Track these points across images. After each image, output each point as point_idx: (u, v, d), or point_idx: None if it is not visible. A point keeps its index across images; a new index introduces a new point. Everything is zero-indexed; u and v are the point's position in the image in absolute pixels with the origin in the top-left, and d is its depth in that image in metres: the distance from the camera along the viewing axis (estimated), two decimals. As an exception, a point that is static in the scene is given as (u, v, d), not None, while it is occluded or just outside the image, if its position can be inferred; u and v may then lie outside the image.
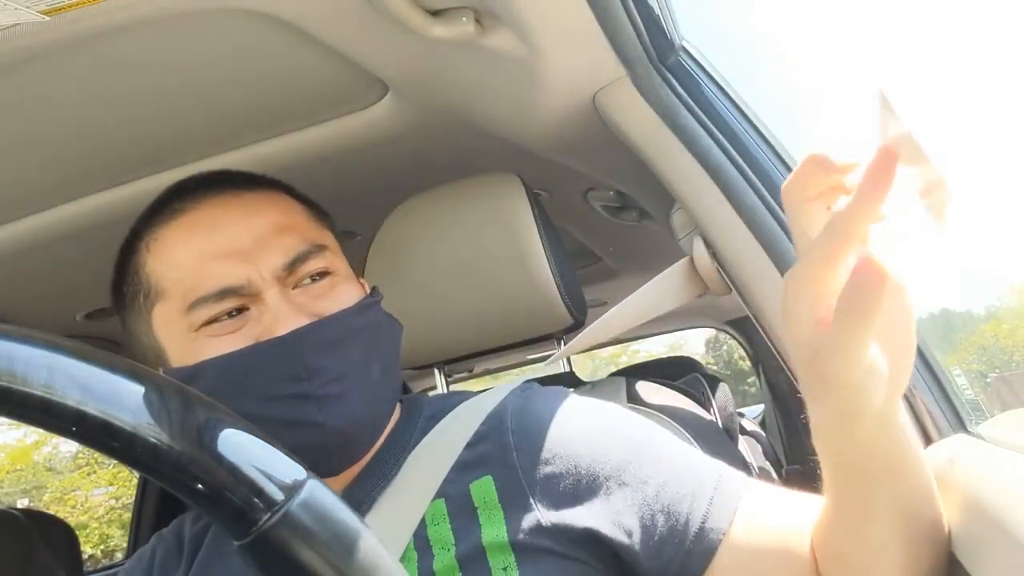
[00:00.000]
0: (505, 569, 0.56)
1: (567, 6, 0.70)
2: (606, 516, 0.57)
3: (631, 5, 0.75)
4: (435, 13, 0.70)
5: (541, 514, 0.58)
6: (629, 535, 0.57)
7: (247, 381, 0.58)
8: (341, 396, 0.59)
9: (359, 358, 0.61)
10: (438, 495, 0.60)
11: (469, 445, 0.63)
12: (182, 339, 0.61)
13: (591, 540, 0.57)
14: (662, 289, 0.84)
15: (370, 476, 0.64)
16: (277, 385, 0.57)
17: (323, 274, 0.63)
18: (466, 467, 0.61)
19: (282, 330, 0.58)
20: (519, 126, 0.93)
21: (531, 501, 0.58)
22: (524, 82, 0.81)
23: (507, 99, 0.87)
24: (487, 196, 0.88)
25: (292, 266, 0.61)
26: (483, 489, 0.60)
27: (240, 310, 0.60)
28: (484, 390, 0.71)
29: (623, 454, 0.59)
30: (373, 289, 0.68)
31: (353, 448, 0.62)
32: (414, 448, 0.65)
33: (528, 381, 0.71)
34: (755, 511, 0.57)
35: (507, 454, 0.61)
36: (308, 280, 0.62)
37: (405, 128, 0.93)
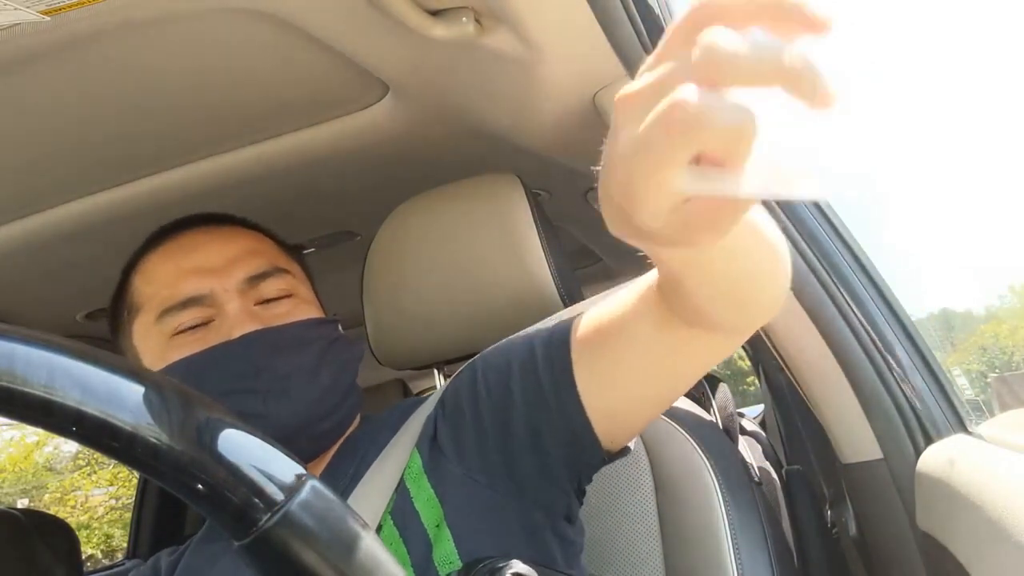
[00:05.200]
0: (438, 526, 0.60)
1: (567, 6, 0.70)
2: (489, 410, 0.62)
3: (631, 5, 0.75)
4: (435, 13, 0.70)
5: (451, 460, 0.63)
6: (504, 401, 0.61)
7: (205, 380, 0.63)
8: (285, 392, 0.65)
9: (307, 364, 0.67)
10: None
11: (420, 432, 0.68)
12: (155, 347, 0.68)
13: (493, 451, 0.62)
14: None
15: (331, 476, 0.68)
16: (229, 381, 0.64)
17: (285, 296, 0.71)
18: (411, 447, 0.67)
19: (237, 334, 0.65)
20: (519, 126, 0.93)
21: (442, 455, 0.64)
22: (524, 82, 0.81)
23: (507, 99, 0.87)
24: (487, 196, 0.88)
25: (253, 281, 0.69)
26: (412, 463, 0.65)
27: (207, 322, 0.67)
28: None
29: (481, 363, 0.66)
30: (334, 316, 0.76)
31: (297, 443, 0.66)
32: (371, 454, 0.68)
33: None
34: (591, 311, 0.61)
35: (426, 428, 0.66)
36: (270, 299, 0.70)
37: (405, 128, 0.93)
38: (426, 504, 0.61)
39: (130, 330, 0.72)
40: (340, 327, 0.74)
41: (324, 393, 0.67)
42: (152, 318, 0.69)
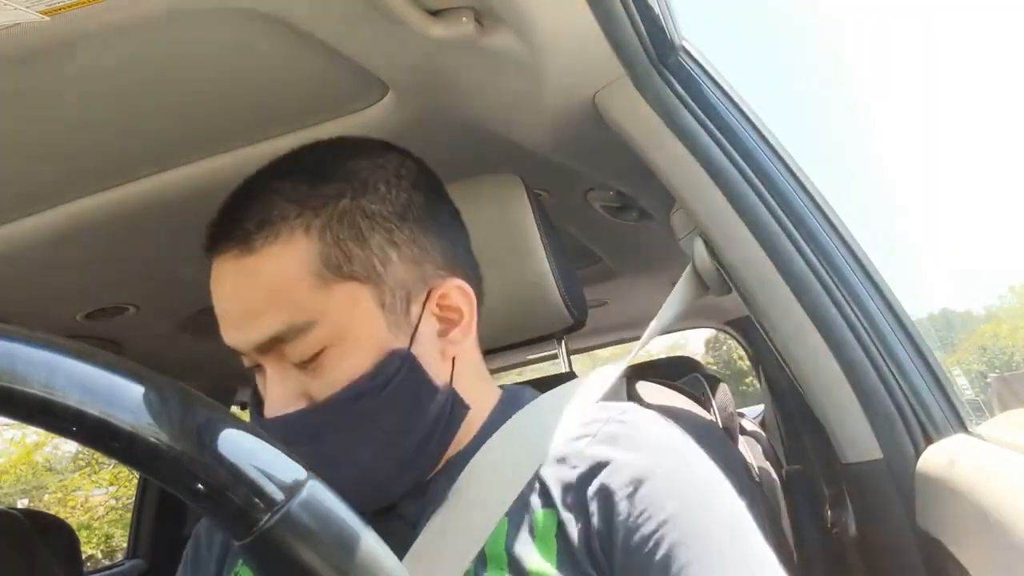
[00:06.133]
0: None
1: (567, 6, 0.70)
2: None
3: (631, 5, 0.75)
4: (435, 13, 0.70)
5: (592, 562, 0.54)
6: None
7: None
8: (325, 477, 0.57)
9: (342, 443, 0.57)
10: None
11: (547, 465, 0.58)
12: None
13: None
14: (675, 302, 0.84)
15: (434, 487, 0.60)
16: None
17: (318, 352, 0.56)
18: (536, 492, 0.57)
19: (268, 411, 0.57)
20: (519, 126, 0.93)
21: (583, 546, 0.54)
22: (524, 82, 0.81)
23: (507, 99, 0.87)
24: (487, 196, 0.88)
25: (270, 346, 0.56)
26: (544, 521, 0.56)
27: (260, 365, 0.59)
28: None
29: (700, 548, 0.51)
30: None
31: (371, 504, 0.59)
32: (475, 458, 0.60)
33: (628, 410, 0.62)
34: None
35: (581, 500, 0.55)
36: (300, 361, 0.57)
37: (405, 128, 0.93)
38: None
39: None
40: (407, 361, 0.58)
41: (371, 465, 0.57)
42: None
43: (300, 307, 0.55)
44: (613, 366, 0.72)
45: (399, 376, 0.57)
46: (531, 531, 0.55)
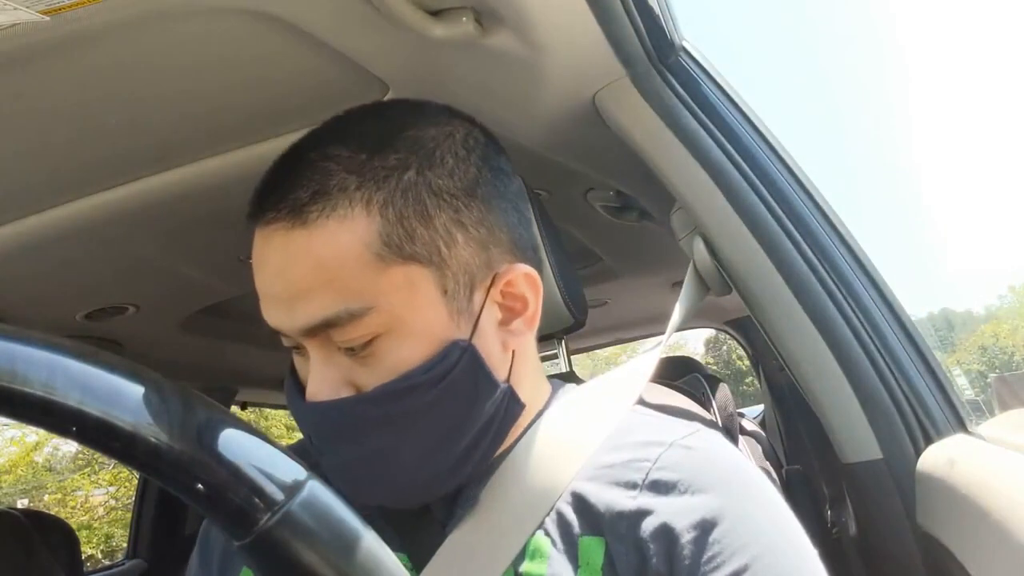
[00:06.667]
0: None
1: (567, 6, 0.70)
2: None
3: (631, 5, 0.75)
4: (435, 13, 0.70)
5: None
6: None
7: (298, 421, 0.57)
8: (348, 480, 0.53)
9: (388, 439, 0.52)
10: (543, 529, 0.53)
11: (587, 481, 0.54)
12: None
13: None
14: (685, 300, 0.84)
15: (469, 487, 0.57)
16: (310, 440, 0.55)
17: (372, 337, 0.51)
18: (582, 512, 0.53)
19: (309, 397, 0.53)
20: (519, 126, 0.93)
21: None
22: (524, 82, 0.81)
23: (507, 99, 0.87)
24: (487, 196, 0.88)
25: (318, 330, 0.51)
26: (591, 550, 0.51)
27: (300, 345, 0.55)
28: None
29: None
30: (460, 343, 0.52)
31: (418, 501, 0.57)
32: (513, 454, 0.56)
33: (695, 433, 0.57)
34: None
35: (636, 534, 0.51)
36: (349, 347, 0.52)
37: (405, 128, 0.93)
38: None
39: None
40: (464, 354, 0.52)
41: (418, 464, 0.53)
42: None
43: (356, 291, 0.50)
44: (641, 361, 0.70)
45: (457, 369, 0.52)
46: (574, 559, 0.51)
